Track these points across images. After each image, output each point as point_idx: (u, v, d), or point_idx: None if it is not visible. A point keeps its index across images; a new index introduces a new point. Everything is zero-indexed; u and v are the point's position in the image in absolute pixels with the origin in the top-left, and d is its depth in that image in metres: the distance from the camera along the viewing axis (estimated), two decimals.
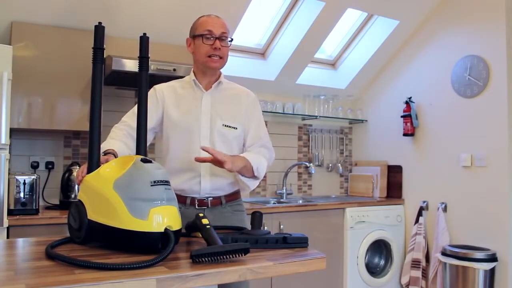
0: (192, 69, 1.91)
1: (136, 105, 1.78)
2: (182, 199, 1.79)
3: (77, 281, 0.91)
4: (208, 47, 1.79)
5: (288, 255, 1.23)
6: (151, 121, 1.78)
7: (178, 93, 1.87)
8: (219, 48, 1.78)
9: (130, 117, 1.81)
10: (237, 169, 1.71)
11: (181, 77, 2.01)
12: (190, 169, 1.79)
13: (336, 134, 4.16)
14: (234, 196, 1.88)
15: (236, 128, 1.85)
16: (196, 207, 1.80)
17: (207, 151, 1.64)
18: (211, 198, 1.82)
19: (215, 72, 1.87)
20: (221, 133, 1.82)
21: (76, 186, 2.67)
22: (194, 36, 1.83)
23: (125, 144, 1.69)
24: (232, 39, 1.86)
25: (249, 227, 1.44)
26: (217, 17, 1.85)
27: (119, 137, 1.73)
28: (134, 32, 2.63)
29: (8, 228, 2.19)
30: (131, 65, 2.56)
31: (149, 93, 1.84)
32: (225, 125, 1.83)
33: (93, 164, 1.30)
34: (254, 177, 1.81)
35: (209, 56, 1.79)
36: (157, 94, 1.85)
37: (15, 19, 2.54)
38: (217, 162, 1.65)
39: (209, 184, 1.80)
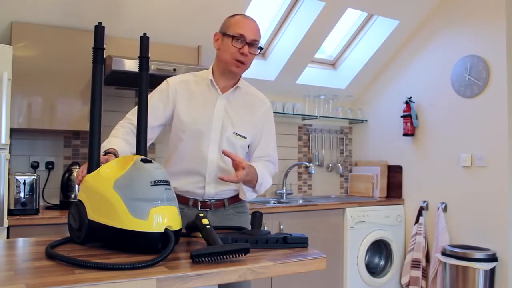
0: (212, 65, 1.84)
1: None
2: (184, 200, 1.77)
3: (77, 281, 0.91)
4: (235, 50, 1.72)
5: (288, 255, 1.23)
6: (159, 118, 1.75)
7: (192, 90, 1.80)
8: (247, 55, 1.72)
9: (134, 114, 1.73)
10: (242, 180, 1.68)
11: None
12: (196, 172, 1.76)
13: (336, 134, 4.16)
14: (237, 198, 1.85)
15: (246, 138, 1.80)
16: (199, 208, 1.78)
17: (228, 155, 1.63)
18: (214, 201, 1.80)
19: (236, 76, 1.82)
20: (230, 141, 1.77)
21: (76, 186, 2.67)
22: (225, 34, 1.76)
23: (126, 141, 1.66)
24: (261, 48, 1.79)
25: (247, 226, 1.44)
26: (253, 20, 1.79)
27: (122, 134, 1.70)
28: (134, 32, 2.63)
29: (8, 228, 2.19)
30: (131, 65, 2.55)
31: (161, 87, 1.80)
32: (235, 133, 1.78)
33: (93, 164, 1.30)
34: (253, 189, 1.77)
35: (235, 60, 1.73)
36: (170, 90, 1.78)
37: (15, 19, 2.54)
38: (236, 165, 1.63)
39: (213, 190, 1.77)
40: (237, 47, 1.72)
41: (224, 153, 1.64)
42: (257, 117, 1.85)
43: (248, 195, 1.78)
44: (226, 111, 1.79)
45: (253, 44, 1.74)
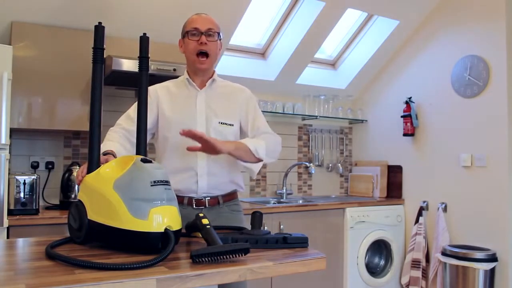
0: (186, 69, 1.92)
1: (131, 107, 1.82)
2: (179, 199, 1.75)
3: (77, 281, 0.91)
4: (194, 43, 1.79)
5: (288, 255, 1.23)
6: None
7: (172, 92, 1.87)
8: (206, 43, 1.77)
9: (124, 120, 1.81)
10: (228, 149, 1.67)
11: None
12: (187, 168, 1.78)
13: (336, 134, 4.16)
14: (231, 196, 1.88)
15: (232, 125, 1.84)
16: (194, 207, 1.80)
17: (189, 136, 1.61)
18: (209, 198, 1.82)
19: (207, 72, 1.87)
20: (218, 131, 1.81)
21: (76, 186, 2.67)
22: (183, 36, 1.84)
23: (122, 145, 1.70)
24: (221, 36, 1.84)
25: (246, 226, 1.44)
26: (206, 15, 1.86)
27: (116, 139, 1.73)
28: (134, 32, 2.63)
29: (8, 228, 2.19)
30: (131, 65, 2.55)
31: None
32: (221, 123, 1.82)
33: (93, 164, 1.30)
34: (257, 160, 1.77)
35: (197, 55, 1.78)
36: (151, 94, 1.83)
37: (15, 19, 2.54)
38: (206, 146, 1.62)
39: (206, 183, 1.79)
40: (194, 39, 1.79)
41: (183, 133, 1.61)
42: (239, 102, 1.90)
43: (255, 168, 1.81)
44: (208, 104, 1.84)
45: (209, 33, 1.79)
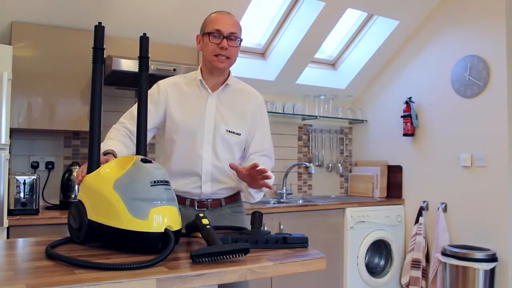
0: (200, 66, 1.86)
1: (134, 106, 1.78)
2: (181, 200, 1.76)
3: (77, 281, 0.91)
4: (215, 45, 1.74)
5: (288, 255, 1.23)
6: (151, 121, 1.74)
7: (182, 91, 1.82)
8: (226, 48, 1.73)
9: (127, 118, 1.78)
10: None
11: None
12: (191, 173, 1.76)
13: (336, 134, 4.16)
14: (234, 198, 1.86)
15: (240, 134, 1.81)
16: (196, 208, 1.78)
17: (234, 169, 1.62)
18: (211, 200, 1.80)
19: (223, 73, 1.83)
20: (224, 139, 1.78)
21: (76, 186, 2.67)
22: (204, 33, 1.79)
23: (123, 144, 1.68)
24: (241, 39, 1.81)
25: (249, 227, 1.44)
26: (229, 14, 1.81)
27: (118, 137, 1.71)
28: (134, 32, 2.63)
29: (8, 228, 2.19)
30: (131, 65, 2.55)
31: (151, 90, 1.81)
32: (228, 131, 1.78)
33: (93, 164, 1.30)
34: (259, 189, 1.75)
35: (216, 56, 1.74)
36: (160, 93, 1.80)
37: (15, 19, 2.54)
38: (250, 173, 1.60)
39: (209, 189, 1.78)
40: (215, 42, 1.74)
41: (231, 166, 1.63)
42: (250, 112, 1.86)
43: (256, 196, 1.77)
44: (218, 110, 1.80)
45: (231, 37, 1.76)
